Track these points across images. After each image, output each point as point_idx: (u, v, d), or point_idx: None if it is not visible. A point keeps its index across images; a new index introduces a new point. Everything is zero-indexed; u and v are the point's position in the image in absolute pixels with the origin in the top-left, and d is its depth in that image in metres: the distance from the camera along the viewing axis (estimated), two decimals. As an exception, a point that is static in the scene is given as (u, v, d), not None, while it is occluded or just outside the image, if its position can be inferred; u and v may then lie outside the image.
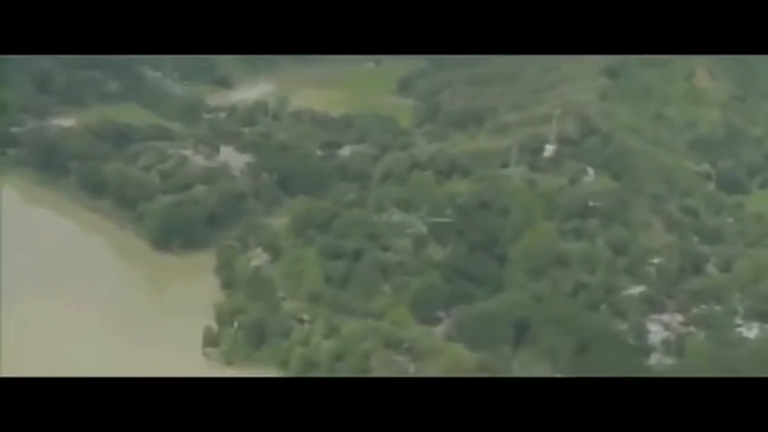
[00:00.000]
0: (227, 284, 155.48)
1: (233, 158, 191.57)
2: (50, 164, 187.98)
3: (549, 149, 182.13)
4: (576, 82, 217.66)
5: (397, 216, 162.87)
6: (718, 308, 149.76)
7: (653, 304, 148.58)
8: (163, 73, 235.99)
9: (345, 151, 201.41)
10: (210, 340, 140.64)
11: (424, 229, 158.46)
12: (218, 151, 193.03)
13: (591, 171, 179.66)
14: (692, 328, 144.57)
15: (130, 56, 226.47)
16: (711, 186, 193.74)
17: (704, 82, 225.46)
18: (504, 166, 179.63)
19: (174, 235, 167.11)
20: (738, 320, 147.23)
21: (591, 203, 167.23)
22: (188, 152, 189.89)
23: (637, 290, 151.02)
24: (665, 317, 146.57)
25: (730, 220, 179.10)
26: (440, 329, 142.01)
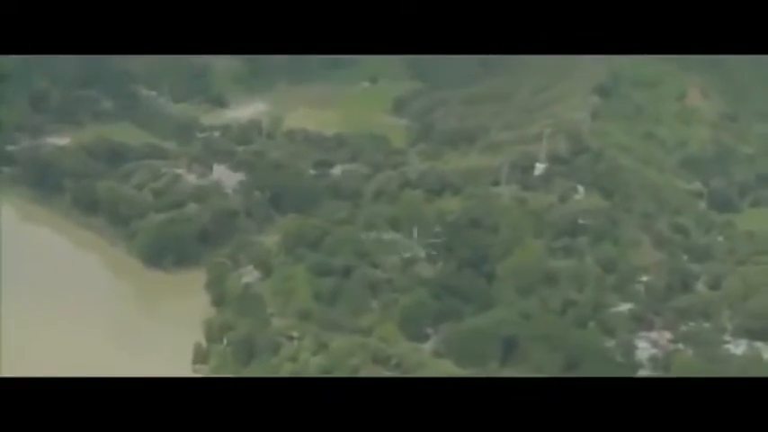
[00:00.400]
0: (218, 301, 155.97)
1: (226, 177, 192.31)
2: (45, 182, 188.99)
3: (540, 168, 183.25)
4: (568, 101, 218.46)
5: (387, 236, 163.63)
6: (706, 325, 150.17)
7: (641, 322, 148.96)
8: (158, 92, 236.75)
9: (337, 170, 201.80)
10: (200, 357, 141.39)
11: (421, 253, 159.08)
12: (211, 170, 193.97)
13: (581, 189, 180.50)
14: (680, 346, 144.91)
15: (126, 76, 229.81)
16: (702, 205, 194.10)
17: (696, 101, 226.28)
18: (495, 184, 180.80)
19: (166, 252, 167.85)
20: (727, 337, 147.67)
21: (581, 221, 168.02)
22: (181, 170, 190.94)
23: (625, 307, 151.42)
24: (654, 334, 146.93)
25: (720, 238, 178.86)
26: (428, 346, 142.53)
